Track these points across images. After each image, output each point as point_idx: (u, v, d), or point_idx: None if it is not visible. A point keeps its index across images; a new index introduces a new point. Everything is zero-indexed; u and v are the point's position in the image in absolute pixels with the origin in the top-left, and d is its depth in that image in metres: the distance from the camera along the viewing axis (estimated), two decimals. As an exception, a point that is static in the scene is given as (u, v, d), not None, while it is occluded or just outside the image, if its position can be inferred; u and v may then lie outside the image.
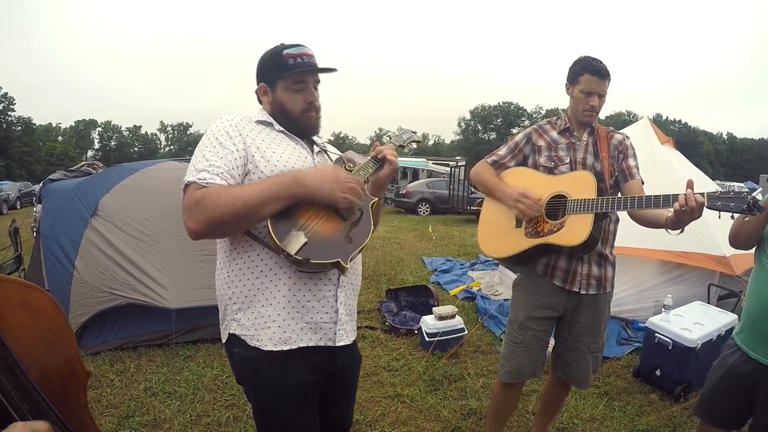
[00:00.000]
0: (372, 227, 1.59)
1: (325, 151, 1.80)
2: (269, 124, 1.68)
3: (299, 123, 1.69)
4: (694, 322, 3.55)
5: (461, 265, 7.75)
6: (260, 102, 1.74)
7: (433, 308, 4.52)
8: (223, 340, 1.65)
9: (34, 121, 67.21)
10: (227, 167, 1.48)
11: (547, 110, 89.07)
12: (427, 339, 4.22)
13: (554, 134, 2.39)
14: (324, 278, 1.57)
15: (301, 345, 1.56)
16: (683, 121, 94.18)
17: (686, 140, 77.32)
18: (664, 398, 3.35)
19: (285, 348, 1.55)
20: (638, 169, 2.36)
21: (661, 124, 76.09)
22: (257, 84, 1.72)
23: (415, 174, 25.91)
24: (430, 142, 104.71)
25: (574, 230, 2.12)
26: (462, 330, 4.29)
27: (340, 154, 1.84)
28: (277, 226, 1.43)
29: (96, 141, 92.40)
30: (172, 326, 4.03)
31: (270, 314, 1.55)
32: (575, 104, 2.33)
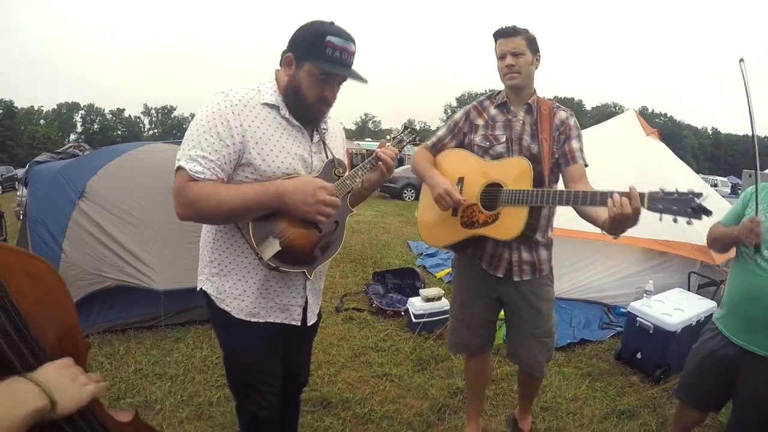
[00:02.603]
0: (342, 240, 1.74)
1: (324, 144, 1.79)
2: (275, 108, 1.65)
3: (307, 111, 1.68)
4: (675, 308, 3.64)
5: (447, 250, 7.81)
6: (280, 65, 1.68)
7: (420, 290, 4.59)
8: (198, 288, 1.82)
9: (15, 104, 66.05)
10: (219, 162, 1.53)
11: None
12: (414, 320, 4.30)
13: (493, 110, 2.29)
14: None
15: (268, 320, 1.76)
16: (669, 115, 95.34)
17: (671, 133, 78.30)
18: (645, 380, 3.45)
19: (253, 320, 1.75)
20: (582, 151, 2.21)
21: (646, 116, 76.71)
22: (287, 50, 1.64)
23: (400, 160, 25.93)
24: (417, 128, 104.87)
25: (508, 223, 2.05)
26: (448, 311, 4.34)
27: (333, 155, 1.80)
28: (258, 228, 1.57)
29: (79, 124, 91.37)
30: (161, 308, 4.03)
31: (244, 290, 1.71)
32: (500, 75, 2.23)
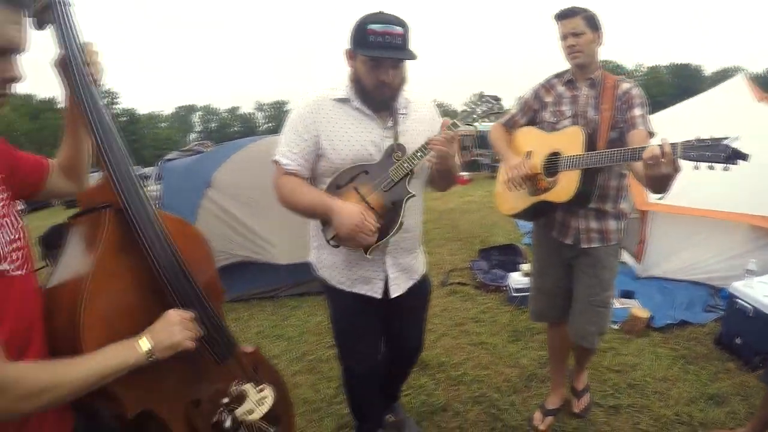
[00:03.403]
0: (399, 221, 1.82)
1: (396, 127, 1.91)
2: (346, 101, 1.88)
3: (372, 97, 1.85)
4: (780, 290, 3.33)
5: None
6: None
7: (520, 265, 4.70)
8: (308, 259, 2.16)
9: (138, 111, 72.96)
10: (301, 154, 1.89)
11: (648, 68, 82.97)
12: (513, 294, 4.43)
13: (560, 88, 2.39)
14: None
15: (354, 290, 2.03)
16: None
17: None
18: (742, 367, 3.20)
19: (343, 288, 2.04)
20: (644, 118, 2.18)
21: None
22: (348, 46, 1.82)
23: None
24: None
25: (564, 187, 2.17)
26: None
27: (396, 140, 1.90)
28: None
29: (197, 124, 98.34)
30: (281, 280, 4.58)
31: (334, 262, 2.03)
32: (564, 54, 2.31)
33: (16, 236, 1.10)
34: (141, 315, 1.19)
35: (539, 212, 2.42)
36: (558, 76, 2.44)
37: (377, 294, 2.03)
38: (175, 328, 1.20)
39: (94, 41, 1.29)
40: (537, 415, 2.70)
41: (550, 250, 2.53)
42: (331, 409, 2.94)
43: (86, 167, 1.43)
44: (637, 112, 2.19)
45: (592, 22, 2.23)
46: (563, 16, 2.25)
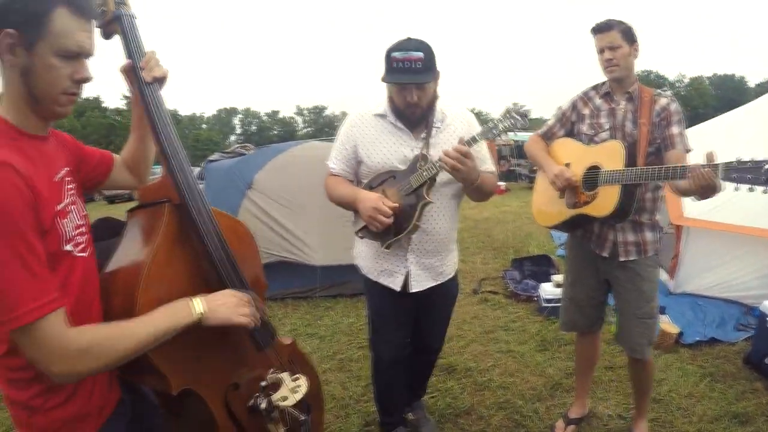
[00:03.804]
0: (413, 222, 1.99)
1: (428, 140, 2.12)
2: (383, 117, 2.17)
3: (403, 116, 2.12)
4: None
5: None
6: None
7: (552, 276, 4.71)
8: None
9: (179, 113, 74.99)
10: (342, 159, 2.25)
11: (690, 78, 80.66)
12: (543, 304, 4.46)
13: (598, 100, 2.42)
14: (401, 241, 2.11)
15: (379, 281, 2.28)
16: None
17: None
18: None
19: (370, 277, 2.32)
20: (682, 137, 2.21)
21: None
22: None
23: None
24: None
25: (604, 201, 2.18)
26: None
27: (421, 151, 2.08)
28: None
29: (237, 127, 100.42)
30: (317, 281, 4.75)
31: (367, 253, 2.31)
32: (601, 68, 2.33)
33: (81, 222, 1.24)
34: (192, 301, 1.32)
35: (577, 225, 2.45)
36: (595, 88, 2.47)
37: (396, 287, 2.25)
38: (231, 300, 1.31)
39: (156, 49, 1.43)
40: (559, 424, 2.73)
41: (585, 261, 2.54)
42: (358, 407, 3.05)
43: (149, 163, 1.59)
44: (675, 130, 2.22)
45: (629, 35, 2.25)
46: (599, 30, 2.28)
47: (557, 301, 4.37)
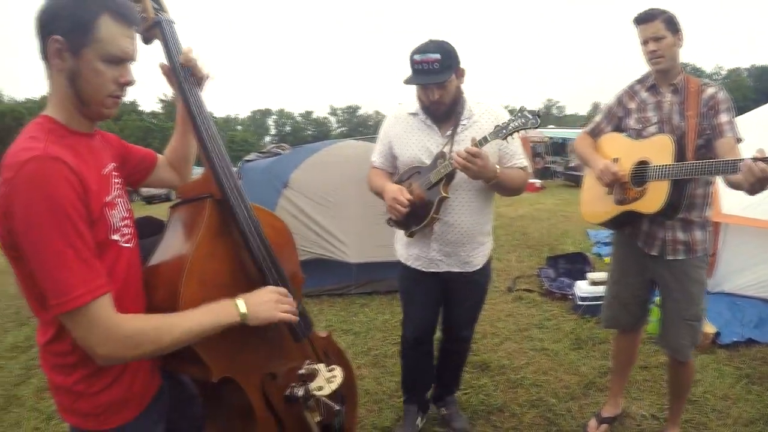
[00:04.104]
0: (430, 215, 2.17)
1: (453, 137, 2.25)
2: (415, 115, 2.34)
3: (429, 112, 2.29)
4: None
5: (626, 239, 7.52)
6: None
7: (587, 274, 4.66)
8: None
9: (214, 115, 76.68)
10: (381, 155, 2.47)
11: (728, 70, 77.94)
12: (578, 302, 4.42)
13: (644, 94, 2.37)
14: (427, 230, 2.30)
15: (408, 264, 2.47)
16: None
17: None
18: None
19: (401, 260, 2.51)
20: (732, 124, 2.13)
21: None
22: None
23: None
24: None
25: (652, 197, 2.13)
26: (611, 293, 4.36)
27: (441, 151, 2.23)
28: None
29: (272, 127, 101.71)
30: (352, 278, 4.83)
31: (402, 239, 2.45)
32: (645, 60, 2.27)
33: (127, 215, 1.32)
34: (233, 293, 1.35)
35: (625, 222, 2.39)
36: (640, 81, 2.42)
37: (424, 269, 2.43)
38: (271, 297, 1.37)
39: (192, 46, 1.49)
40: (592, 423, 2.72)
41: (631, 260, 2.49)
42: (391, 402, 3.10)
43: (191, 161, 1.67)
44: (724, 118, 2.14)
45: (672, 25, 2.19)
46: (642, 20, 2.22)
47: (592, 299, 4.35)
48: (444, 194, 2.16)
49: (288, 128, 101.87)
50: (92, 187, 1.13)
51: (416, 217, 2.22)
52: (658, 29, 2.18)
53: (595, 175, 2.38)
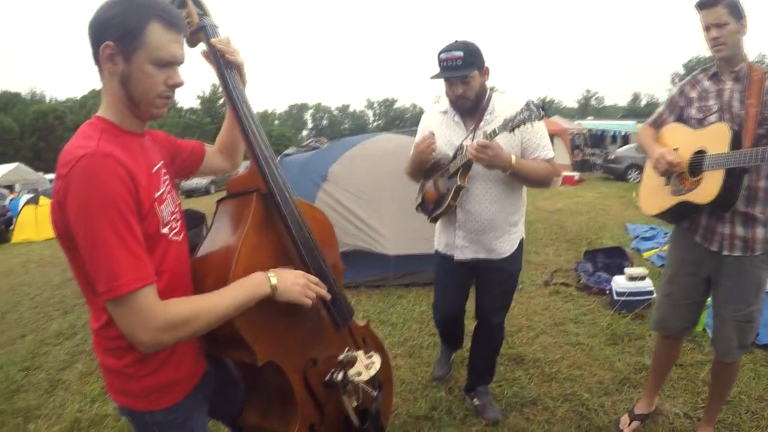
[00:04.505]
0: (447, 202, 2.40)
1: (475, 131, 2.42)
2: (445, 113, 2.56)
3: (457, 108, 2.49)
4: None
5: (665, 233, 7.37)
6: None
7: (625, 269, 4.61)
8: None
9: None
10: None
11: (772, 58, 74.04)
12: (615, 297, 4.37)
13: (706, 82, 2.29)
14: (452, 218, 2.55)
15: (438, 249, 2.73)
16: None
17: None
18: None
19: (436, 247, 2.77)
20: None
21: None
22: None
23: (625, 138, 23.28)
24: (643, 102, 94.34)
25: (707, 188, 2.07)
26: (650, 293, 4.30)
27: (462, 143, 2.42)
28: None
29: (309, 122, 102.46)
30: (390, 270, 4.92)
31: (437, 227, 2.74)
32: (708, 47, 2.18)
33: (175, 209, 1.41)
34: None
35: (682, 214, 2.32)
36: (704, 70, 2.34)
37: (449, 253, 2.65)
38: (300, 281, 1.43)
39: (230, 35, 1.58)
40: (624, 419, 2.71)
41: (687, 257, 2.39)
42: (426, 392, 3.16)
43: (242, 147, 1.74)
44: None
45: (736, 10, 2.09)
46: (704, 5, 2.13)
47: (629, 294, 4.31)
48: (460, 183, 2.36)
49: (325, 122, 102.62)
50: (142, 182, 1.20)
51: (438, 205, 2.49)
52: (721, 15, 2.08)
53: (651, 165, 2.35)
